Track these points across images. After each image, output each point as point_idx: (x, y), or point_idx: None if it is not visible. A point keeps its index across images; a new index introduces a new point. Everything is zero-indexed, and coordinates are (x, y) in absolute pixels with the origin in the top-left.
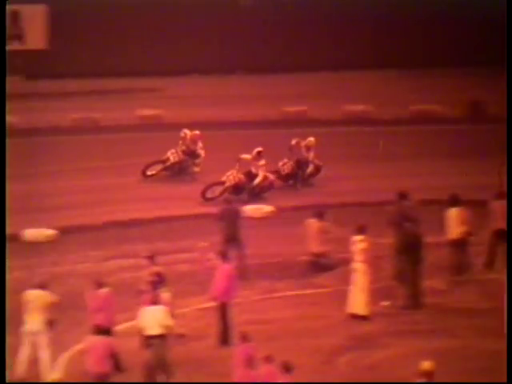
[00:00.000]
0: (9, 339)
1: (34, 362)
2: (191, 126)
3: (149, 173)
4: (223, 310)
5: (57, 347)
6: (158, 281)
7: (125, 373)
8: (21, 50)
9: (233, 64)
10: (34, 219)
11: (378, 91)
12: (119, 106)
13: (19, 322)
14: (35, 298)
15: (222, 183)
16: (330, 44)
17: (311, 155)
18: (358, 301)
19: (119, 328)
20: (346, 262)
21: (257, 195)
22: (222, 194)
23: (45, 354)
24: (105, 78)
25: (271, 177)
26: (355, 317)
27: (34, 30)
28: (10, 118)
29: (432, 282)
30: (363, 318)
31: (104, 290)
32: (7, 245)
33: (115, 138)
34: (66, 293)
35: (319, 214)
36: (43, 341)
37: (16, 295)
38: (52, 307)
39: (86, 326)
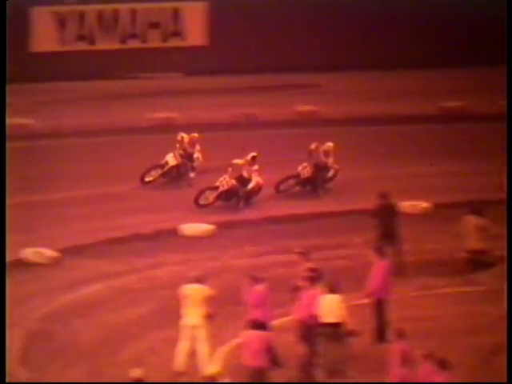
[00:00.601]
0: (167, 332)
1: (192, 355)
2: (347, 122)
3: (147, 179)
4: (379, 306)
5: (214, 341)
6: (315, 276)
7: (281, 368)
8: (181, 47)
9: (392, 59)
10: (191, 215)
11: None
12: (277, 101)
13: (177, 315)
14: (194, 292)
15: (216, 188)
16: None
17: (330, 160)
18: None
19: (275, 323)
20: (505, 259)
21: (248, 201)
22: (215, 200)
23: (203, 348)
24: (262, 73)
25: (261, 181)
26: None
27: (194, 26)
28: (169, 114)
29: None
30: None
31: (261, 286)
32: (164, 239)
33: (273, 134)
34: (223, 287)
35: (478, 211)
36: (201, 334)
37: (173, 289)
38: (210, 301)
39: (242, 321)
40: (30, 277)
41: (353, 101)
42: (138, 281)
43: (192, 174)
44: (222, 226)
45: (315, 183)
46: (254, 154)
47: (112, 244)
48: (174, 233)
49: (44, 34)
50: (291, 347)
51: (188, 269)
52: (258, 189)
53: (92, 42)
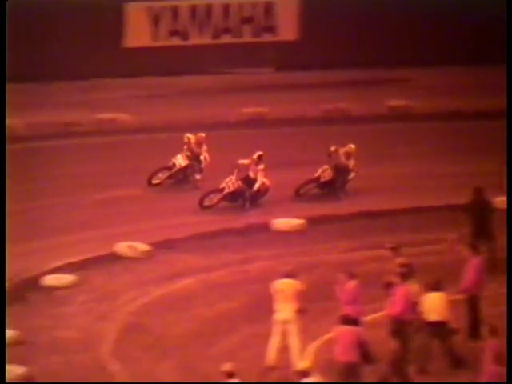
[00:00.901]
0: (258, 327)
1: (283, 350)
2: (436, 117)
3: (154, 181)
4: (472, 302)
5: (306, 336)
6: (407, 272)
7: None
8: (272, 42)
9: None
10: (283, 209)
11: None
12: (368, 96)
13: (268, 310)
14: (285, 286)
15: (221, 190)
16: None
17: (352, 162)
18: None
19: (367, 319)
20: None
21: (254, 201)
22: (219, 201)
23: (295, 343)
24: (353, 68)
25: (267, 182)
26: None
27: (286, 21)
28: (260, 109)
29: None
30: None
31: (354, 282)
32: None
33: (365, 129)
34: (314, 282)
35: None
36: (293, 329)
37: (264, 284)
38: (301, 296)
39: (334, 316)
40: (122, 270)
41: (443, 95)
42: (230, 275)
43: (198, 176)
44: (313, 221)
45: (335, 186)
46: (260, 153)
47: (203, 239)
48: (265, 228)
49: (138, 30)
50: (383, 343)
51: (279, 264)
52: (264, 189)
53: (185, 38)
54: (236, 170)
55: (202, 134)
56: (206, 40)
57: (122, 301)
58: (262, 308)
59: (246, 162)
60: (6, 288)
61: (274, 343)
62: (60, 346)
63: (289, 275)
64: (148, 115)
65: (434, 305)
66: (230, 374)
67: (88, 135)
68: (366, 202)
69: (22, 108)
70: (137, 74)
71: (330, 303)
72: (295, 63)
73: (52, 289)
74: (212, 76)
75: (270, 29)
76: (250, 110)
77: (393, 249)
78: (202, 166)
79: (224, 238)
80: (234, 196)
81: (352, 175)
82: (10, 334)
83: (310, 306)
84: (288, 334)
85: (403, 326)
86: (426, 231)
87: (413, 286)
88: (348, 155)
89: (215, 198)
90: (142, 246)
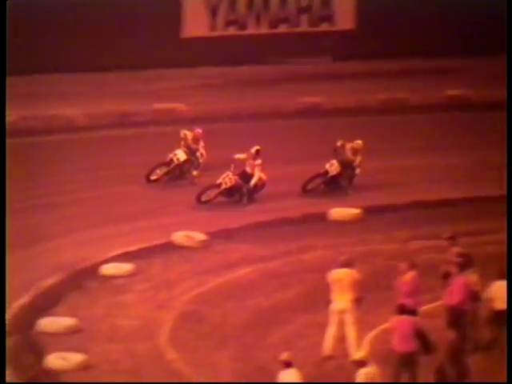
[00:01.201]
0: (315, 316)
1: (340, 339)
2: (494, 106)
3: (152, 177)
4: None
5: (363, 326)
6: (465, 262)
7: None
8: (329, 32)
9: None
10: (339, 199)
11: None
12: (426, 85)
13: (325, 299)
14: (342, 276)
15: (218, 186)
16: None
17: (359, 158)
18: None
19: (424, 309)
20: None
21: (251, 196)
22: (216, 196)
23: (351, 332)
24: (409, 58)
25: (264, 177)
26: None
27: (343, 10)
28: (317, 99)
29: None
30: None
31: (413, 272)
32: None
33: (423, 118)
34: (371, 272)
35: None
36: (350, 319)
37: (321, 273)
38: (358, 286)
39: (390, 306)
40: (179, 260)
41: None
42: (287, 265)
43: (195, 172)
44: (369, 211)
45: (341, 181)
46: (257, 147)
47: (260, 228)
48: (322, 217)
49: (195, 20)
50: (440, 333)
51: (336, 253)
52: (261, 184)
53: (242, 28)
54: (233, 165)
55: (199, 130)
56: (263, 30)
57: (179, 290)
58: (319, 298)
59: (242, 156)
60: (65, 276)
61: (330, 333)
62: (117, 334)
63: (345, 265)
64: (205, 105)
65: (501, 294)
66: (288, 364)
67: (145, 125)
68: (422, 192)
69: (81, 98)
70: (194, 64)
71: (387, 293)
72: (352, 53)
73: (110, 278)
74: (269, 66)
75: (327, 18)
76: (306, 100)
77: (450, 238)
78: (200, 161)
79: (280, 228)
80: (230, 191)
81: (358, 171)
82: (68, 322)
83: (367, 295)
84: (344, 323)
85: (460, 316)
86: (484, 221)
87: (471, 276)
88: (355, 151)
89: (212, 193)
90: (199, 236)
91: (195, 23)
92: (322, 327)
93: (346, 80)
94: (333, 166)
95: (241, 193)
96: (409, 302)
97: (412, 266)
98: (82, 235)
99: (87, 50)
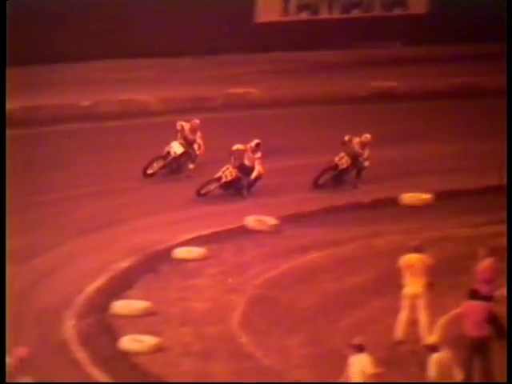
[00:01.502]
0: (387, 301)
1: (412, 324)
2: None
3: (149, 171)
4: None
5: (434, 310)
6: None
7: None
8: (402, 16)
9: None
10: (412, 183)
11: None
12: (498, 70)
13: (397, 284)
14: (414, 261)
15: (218, 180)
16: None
17: (367, 152)
18: None
19: (496, 294)
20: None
21: (249, 189)
22: (215, 189)
23: (423, 317)
24: (482, 42)
25: (262, 170)
26: None
27: None
28: (390, 83)
29: None
30: None
31: (491, 259)
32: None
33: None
34: (444, 257)
35: None
36: (422, 304)
37: (393, 258)
38: (430, 271)
39: (463, 291)
40: (251, 244)
41: None
42: (358, 249)
43: (191, 165)
44: (439, 196)
45: (349, 174)
46: (257, 140)
47: (331, 213)
48: (393, 202)
49: (268, 5)
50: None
51: (407, 238)
52: (259, 177)
53: (315, 12)
54: (232, 157)
55: (197, 121)
56: (336, 14)
57: (250, 274)
58: (390, 282)
59: (241, 147)
60: (138, 260)
61: (402, 317)
62: (190, 317)
63: (417, 250)
64: (277, 90)
65: None
66: (359, 348)
67: (219, 110)
68: (491, 178)
69: (156, 83)
70: (267, 49)
71: (459, 278)
72: (425, 37)
73: (182, 261)
74: (341, 50)
75: (400, 3)
76: (380, 85)
77: None
78: (197, 153)
79: (352, 213)
80: (230, 185)
81: (367, 164)
82: (141, 305)
83: (439, 280)
84: (416, 308)
85: None
86: None
87: None
88: (363, 145)
89: (212, 187)
90: (271, 220)
91: (268, 8)
92: (394, 312)
93: (418, 64)
94: (343, 159)
95: (241, 186)
96: (484, 287)
97: (491, 253)
98: (154, 219)
99: (161, 36)
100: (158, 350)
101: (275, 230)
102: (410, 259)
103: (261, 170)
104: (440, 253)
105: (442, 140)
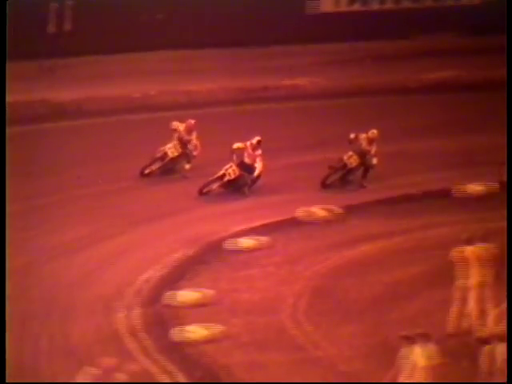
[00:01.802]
0: (439, 293)
1: (465, 316)
2: None
3: (146, 171)
4: None
5: (488, 303)
6: None
7: None
8: (454, 6)
9: None
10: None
11: None
12: None
13: (449, 276)
14: (467, 253)
15: (221, 178)
16: None
17: (374, 148)
18: None
19: None
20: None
21: (251, 187)
22: (217, 187)
23: (476, 310)
24: None
25: (262, 168)
26: None
27: None
28: (442, 74)
29: None
30: None
31: None
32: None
33: None
34: (493, 249)
35: None
36: (474, 296)
37: (444, 250)
38: (483, 263)
39: None
40: (302, 235)
41: None
42: (409, 241)
43: (187, 166)
44: (491, 188)
45: (357, 173)
46: (258, 138)
47: (382, 204)
48: (445, 194)
49: None
50: None
51: (459, 230)
52: (260, 175)
53: (365, 3)
54: (234, 156)
55: (192, 121)
56: (388, 5)
57: (302, 265)
58: (443, 274)
59: (241, 145)
60: (190, 251)
61: (455, 310)
62: (241, 308)
63: (468, 242)
64: (329, 81)
65: None
66: (411, 340)
67: (271, 100)
68: None
69: (216, 74)
70: (319, 40)
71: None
72: (478, 27)
73: (234, 252)
74: (392, 41)
75: None
76: (432, 76)
77: None
78: (194, 154)
79: (404, 204)
80: (233, 183)
81: (375, 161)
82: (193, 295)
83: (492, 273)
84: (469, 300)
85: None
86: None
87: None
88: (370, 141)
89: (214, 185)
90: (322, 212)
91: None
92: (446, 304)
93: (472, 55)
94: (351, 158)
95: (244, 183)
96: None
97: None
98: (205, 211)
99: (218, 27)
100: (210, 340)
101: (325, 222)
102: (462, 252)
103: (261, 167)
104: (493, 245)
105: (492, 133)
